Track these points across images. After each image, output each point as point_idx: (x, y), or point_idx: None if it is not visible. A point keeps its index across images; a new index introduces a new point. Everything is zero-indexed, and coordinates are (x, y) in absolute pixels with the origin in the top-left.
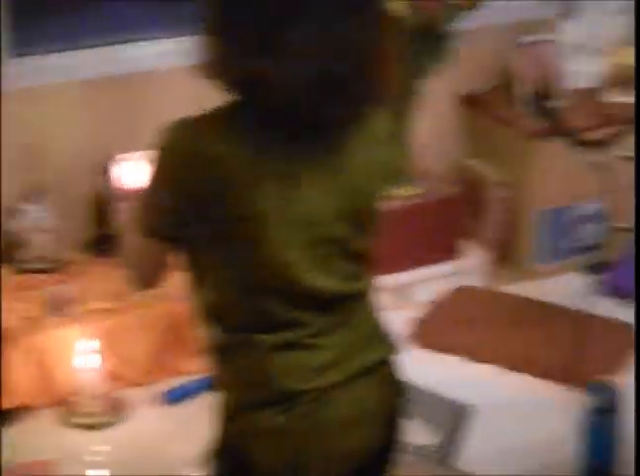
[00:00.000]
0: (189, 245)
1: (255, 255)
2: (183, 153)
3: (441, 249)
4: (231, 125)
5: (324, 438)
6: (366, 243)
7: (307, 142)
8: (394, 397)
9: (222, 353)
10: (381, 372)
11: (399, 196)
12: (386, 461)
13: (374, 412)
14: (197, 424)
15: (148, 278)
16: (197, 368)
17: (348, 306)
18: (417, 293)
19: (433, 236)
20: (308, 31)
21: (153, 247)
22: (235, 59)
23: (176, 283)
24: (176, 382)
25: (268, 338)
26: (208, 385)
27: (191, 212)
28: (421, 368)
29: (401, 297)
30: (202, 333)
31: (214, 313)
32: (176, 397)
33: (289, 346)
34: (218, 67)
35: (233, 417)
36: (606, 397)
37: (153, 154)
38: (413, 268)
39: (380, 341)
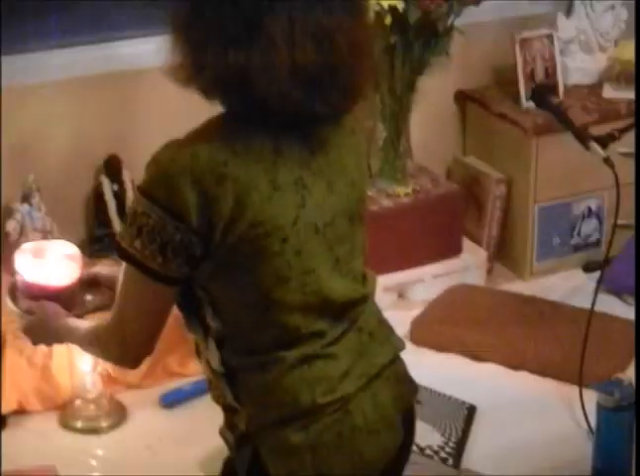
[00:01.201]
0: (195, 282)
1: (278, 269)
2: (190, 173)
3: (439, 247)
4: (226, 136)
5: (347, 449)
6: (364, 241)
7: (300, 141)
8: (408, 396)
9: (235, 376)
10: (394, 372)
11: (398, 194)
12: (403, 463)
13: (393, 414)
14: (195, 428)
15: (144, 342)
16: (193, 371)
17: (357, 310)
18: (416, 291)
19: (431, 234)
20: (289, 16)
21: (154, 298)
22: (208, 56)
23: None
24: (173, 385)
25: (289, 355)
26: (203, 388)
27: (203, 241)
28: (421, 367)
29: (400, 297)
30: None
31: (226, 341)
32: (173, 399)
33: (308, 359)
34: (191, 68)
35: (249, 438)
36: (623, 394)
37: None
38: (412, 267)
39: (388, 341)
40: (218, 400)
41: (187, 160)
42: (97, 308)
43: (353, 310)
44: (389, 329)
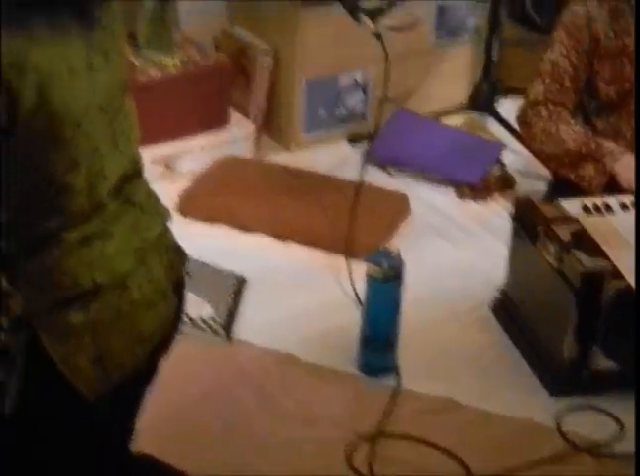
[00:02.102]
0: None
1: (71, 154)
2: None
3: (207, 119)
4: (16, 23)
5: (126, 325)
6: (134, 112)
7: (77, 16)
8: (179, 266)
9: (11, 260)
10: (165, 243)
11: (165, 65)
12: (175, 334)
13: (166, 285)
14: None
15: None
16: None
17: (132, 184)
18: (183, 163)
19: (198, 106)
20: None
21: None
22: None
23: None
24: None
25: (69, 236)
26: None
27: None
28: (190, 239)
29: (168, 168)
30: None
31: (5, 228)
32: None
33: (87, 240)
34: None
35: (25, 322)
36: (391, 265)
37: None
38: (179, 138)
39: (157, 212)
40: None
41: None
42: None
43: (128, 185)
44: (157, 201)
